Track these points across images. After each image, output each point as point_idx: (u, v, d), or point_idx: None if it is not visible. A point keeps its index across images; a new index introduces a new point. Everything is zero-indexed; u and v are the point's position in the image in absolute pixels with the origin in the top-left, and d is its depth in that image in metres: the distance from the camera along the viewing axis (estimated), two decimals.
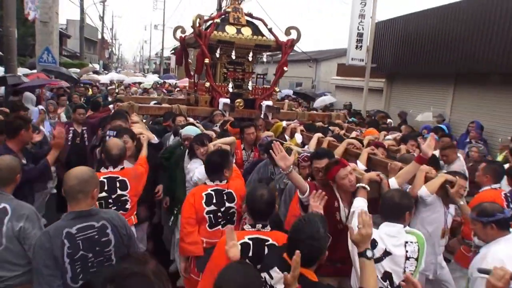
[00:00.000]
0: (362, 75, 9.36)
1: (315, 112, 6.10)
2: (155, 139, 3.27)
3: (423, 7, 8.91)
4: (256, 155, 3.66)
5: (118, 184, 2.46)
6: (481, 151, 4.52)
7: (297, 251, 1.39)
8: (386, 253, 1.86)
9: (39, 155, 2.97)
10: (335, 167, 2.28)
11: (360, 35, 8.81)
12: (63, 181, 1.74)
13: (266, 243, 1.84)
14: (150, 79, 17.87)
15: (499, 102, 6.95)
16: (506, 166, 3.49)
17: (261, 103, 4.99)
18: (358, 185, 2.23)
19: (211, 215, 2.33)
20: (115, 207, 2.40)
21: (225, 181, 2.42)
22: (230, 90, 4.97)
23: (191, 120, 4.11)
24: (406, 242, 1.87)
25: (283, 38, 5.09)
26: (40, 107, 5.69)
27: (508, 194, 2.86)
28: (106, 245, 1.72)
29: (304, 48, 14.08)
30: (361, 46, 8.86)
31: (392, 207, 1.92)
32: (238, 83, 5.16)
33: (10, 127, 2.80)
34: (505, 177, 3.11)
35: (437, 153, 4.08)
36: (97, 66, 21.28)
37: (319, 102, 11.03)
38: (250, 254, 1.81)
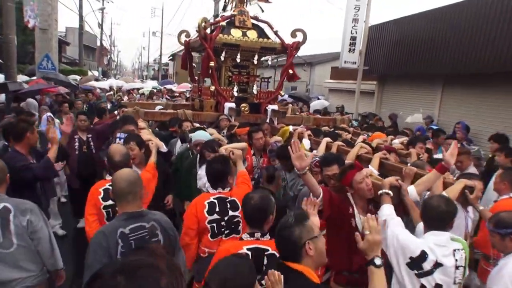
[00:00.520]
0: (355, 78, 9.56)
1: (319, 116, 6.04)
2: (164, 148, 3.18)
3: (415, 11, 9.35)
4: (265, 161, 3.59)
5: None
6: (475, 153, 4.46)
7: (270, 272, 1.31)
8: (437, 265, 1.76)
9: (43, 154, 2.96)
10: (351, 171, 2.20)
11: (353, 38, 8.98)
12: (112, 184, 1.81)
13: (266, 253, 1.75)
14: (149, 85, 17.89)
15: (484, 104, 7.17)
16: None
17: (267, 108, 4.93)
18: (380, 191, 2.15)
19: (214, 225, 2.22)
20: None
21: (229, 188, 2.32)
22: (235, 94, 4.92)
23: (197, 125, 4.05)
24: (455, 250, 1.79)
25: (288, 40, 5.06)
26: (49, 114, 5.64)
27: None
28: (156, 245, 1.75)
29: (299, 52, 14.11)
30: (354, 49, 9.03)
31: (440, 215, 1.83)
32: (242, 87, 5.11)
33: (15, 131, 2.84)
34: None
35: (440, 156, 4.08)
36: (96, 73, 21.28)
37: (319, 105, 11.06)
38: None
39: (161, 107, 5.62)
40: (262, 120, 4.76)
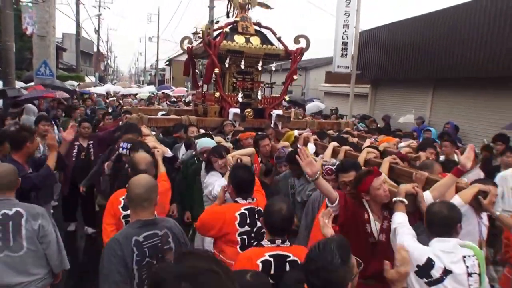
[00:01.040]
0: (349, 82, 9.74)
1: (323, 120, 6.05)
2: (169, 153, 3.14)
3: (404, 17, 9.87)
4: None
5: None
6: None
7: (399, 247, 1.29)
8: (446, 272, 1.72)
9: (41, 162, 2.94)
10: (369, 177, 2.16)
11: (345, 43, 9.14)
12: (128, 189, 1.78)
13: (287, 259, 1.75)
14: (145, 90, 17.91)
15: (473, 105, 7.64)
16: None
17: (271, 112, 4.93)
18: (395, 199, 2.11)
19: (245, 237, 2.13)
20: None
21: (255, 198, 2.25)
22: (240, 100, 4.91)
23: (202, 131, 4.02)
24: (464, 257, 1.74)
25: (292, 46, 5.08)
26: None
27: None
28: (168, 253, 1.77)
29: (288, 60, 14.27)
30: (346, 54, 9.20)
31: (443, 221, 1.80)
32: (247, 93, 5.11)
33: (15, 139, 2.79)
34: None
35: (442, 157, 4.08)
36: (93, 79, 21.24)
37: (314, 108, 11.14)
38: (272, 272, 1.71)
39: (163, 112, 5.58)
40: (267, 125, 4.75)
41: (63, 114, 7.56)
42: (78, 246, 4.40)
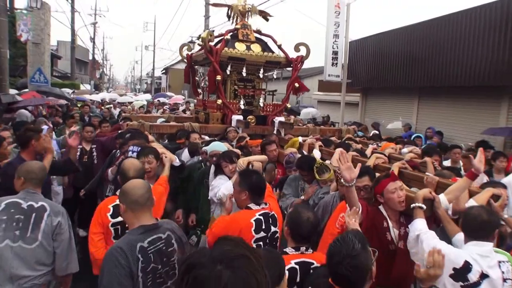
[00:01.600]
0: (340, 90, 9.94)
1: (324, 127, 6.05)
2: (177, 161, 3.06)
3: (392, 27, 10.01)
4: (279, 172, 3.52)
5: None
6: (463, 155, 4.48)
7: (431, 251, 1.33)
8: (483, 276, 1.70)
9: None
10: (385, 180, 2.18)
11: (335, 53, 9.29)
12: (126, 194, 1.75)
13: (312, 266, 1.74)
14: (141, 98, 17.85)
15: (455, 112, 8.14)
16: None
17: (274, 119, 4.91)
18: (413, 205, 2.11)
19: (261, 243, 2.07)
20: None
21: (267, 203, 2.20)
22: (242, 107, 4.89)
23: (206, 138, 3.97)
24: (500, 262, 1.73)
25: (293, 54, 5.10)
26: (49, 126, 5.52)
27: None
28: (171, 255, 1.75)
29: (289, 67, 14.53)
30: (336, 63, 9.33)
31: (482, 225, 1.78)
32: (248, 100, 5.09)
33: (21, 138, 2.94)
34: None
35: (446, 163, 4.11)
36: (88, 86, 21.09)
37: (304, 115, 11.27)
38: (298, 279, 1.68)
39: (162, 119, 5.52)
40: (270, 132, 4.73)
41: (61, 121, 7.46)
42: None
